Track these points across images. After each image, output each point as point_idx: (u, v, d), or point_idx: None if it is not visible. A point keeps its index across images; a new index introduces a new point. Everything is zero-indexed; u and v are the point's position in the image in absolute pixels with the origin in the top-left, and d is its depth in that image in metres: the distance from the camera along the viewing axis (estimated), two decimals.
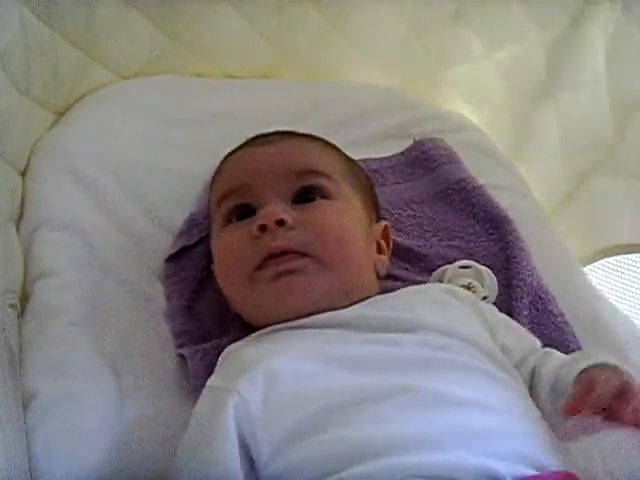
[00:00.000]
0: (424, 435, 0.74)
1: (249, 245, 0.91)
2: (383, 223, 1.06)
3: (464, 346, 0.85)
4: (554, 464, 0.77)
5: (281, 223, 0.91)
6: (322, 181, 0.97)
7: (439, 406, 0.77)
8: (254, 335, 0.91)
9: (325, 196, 0.96)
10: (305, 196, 0.96)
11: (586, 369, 0.83)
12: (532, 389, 0.89)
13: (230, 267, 0.94)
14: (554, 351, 0.94)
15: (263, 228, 0.91)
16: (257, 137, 1.04)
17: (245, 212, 0.96)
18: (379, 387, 0.79)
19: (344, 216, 0.96)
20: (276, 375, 0.80)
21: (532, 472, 0.74)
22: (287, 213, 0.92)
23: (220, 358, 0.90)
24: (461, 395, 0.78)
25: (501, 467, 0.72)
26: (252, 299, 0.92)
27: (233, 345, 0.91)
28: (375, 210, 1.06)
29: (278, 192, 0.95)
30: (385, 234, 1.05)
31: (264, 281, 0.90)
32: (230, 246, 0.94)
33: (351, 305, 0.91)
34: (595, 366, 0.83)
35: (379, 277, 1.01)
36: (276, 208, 0.92)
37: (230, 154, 1.05)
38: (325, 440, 0.76)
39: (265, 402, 0.79)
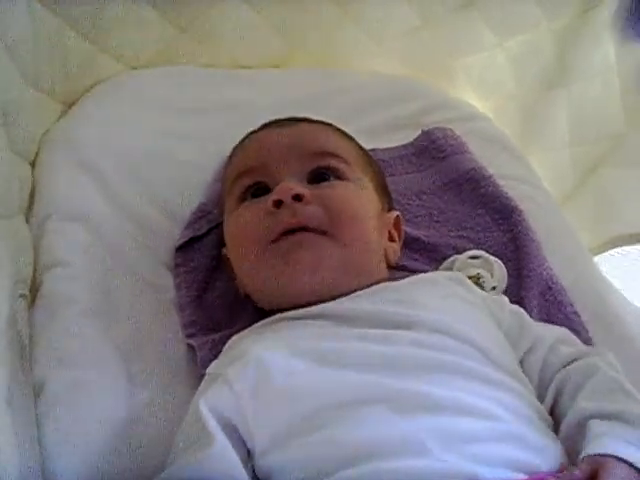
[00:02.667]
0: (411, 439, 0.73)
1: (264, 220, 0.91)
2: (395, 213, 1.06)
3: (462, 346, 0.83)
4: (546, 467, 0.75)
5: (297, 198, 0.91)
6: (337, 163, 0.98)
7: (426, 410, 0.76)
8: (256, 325, 0.92)
9: (339, 177, 0.97)
10: (319, 176, 0.96)
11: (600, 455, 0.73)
12: (556, 396, 0.86)
13: (245, 242, 0.94)
14: (592, 364, 0.87)
15: (279, 204, 0.91)
16: (273, 122, 1.05)
17: (260, 190, 0.96)
18: (368, 389, 0.78)
19: (357, 196, 0.97)
20: (267, 368, 0.81)
21: (521, 476, 0.73)
22: (303, 188, 0.92)
23: (224, 347, 0.91)
24: (449, 399, 0.77)
25: (487, 473, 0.71)
26: (264, 273, 0.92)
27: (236, 335, 0.92)
28: (387, 198, 1.06)
29: (294, 171, 0.95)
30: (396, 224, 1.05)
31: (277, 255, 0.90)
32: (245, 222, 0.94)
33: (358, 290, 0.91)
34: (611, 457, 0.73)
35: (389, 265, 1.01)
36: (292, 184, 0.92)
37: (246, 136, 1.06)
38: (313, 442, 0.76)
39: (256, 394, 0.80)
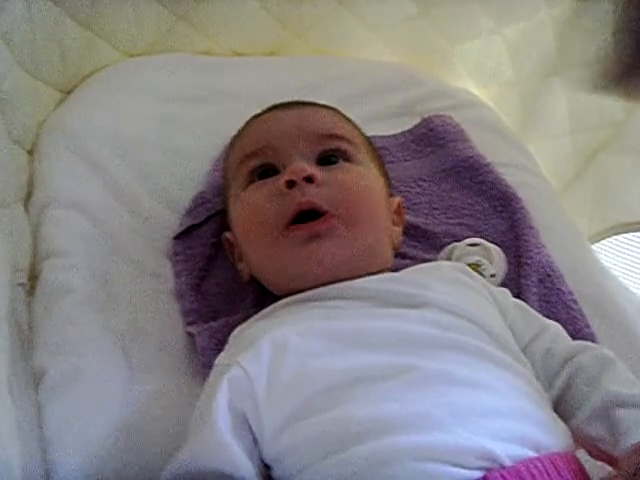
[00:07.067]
0: (424, 414, 0.74)
1: (277, 201, 0.91)
2: (397, 199, 1.06)
3: (471, 327, 0.84)
4: (555, 445, 0.76)
5: (310, 179, 0.91)
6: (345, 145, 0.98)
7: (439, 386, 0.76)
8: (262, 312, 0.91)
9: (348, 160, 0.97)
10: (328, 159, 0.96)
11: None
12: (567, 384, 0.87)
13: (257, 225, 0.93)
14: (599, 353, 0.89)
15: (291, 184, 0.90)
16: (278, 105, 1.05)
17: (268, 172, 0.96)
18: (380, 366, 0.78)
19: (367, 179, 0.97)
20: (282, 350, 0.80)
21: (531, 454, 0.73)
22: (316, 170, 0.92)
23: (230, 337, 0.91)
24: (462, 375, 0.78)
25: (499, 448, 0.72)
26: (280, 258, 0.91)
27: (242, 325, 0.92)
28: (389, 183, 1.06)
29: (302, 153, 0.95)
30: (398, 210, 1.05)
31: (295, 243, 0.89)
32: (256, 203, 0.93)
33: (370, 274, 0.91)
34: None
35: (394, 250, 1.01)
36: (304, 165, 0.92)
37: (251, 119, 1.05)
38: (327, 419, 0.75)
39: (269, 378, 0.79)
